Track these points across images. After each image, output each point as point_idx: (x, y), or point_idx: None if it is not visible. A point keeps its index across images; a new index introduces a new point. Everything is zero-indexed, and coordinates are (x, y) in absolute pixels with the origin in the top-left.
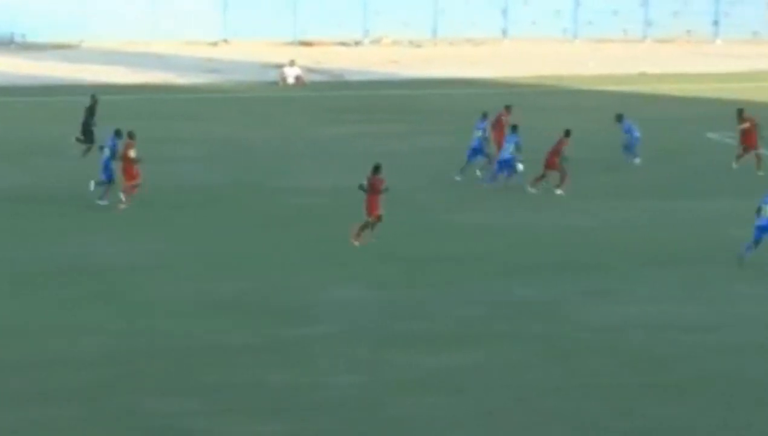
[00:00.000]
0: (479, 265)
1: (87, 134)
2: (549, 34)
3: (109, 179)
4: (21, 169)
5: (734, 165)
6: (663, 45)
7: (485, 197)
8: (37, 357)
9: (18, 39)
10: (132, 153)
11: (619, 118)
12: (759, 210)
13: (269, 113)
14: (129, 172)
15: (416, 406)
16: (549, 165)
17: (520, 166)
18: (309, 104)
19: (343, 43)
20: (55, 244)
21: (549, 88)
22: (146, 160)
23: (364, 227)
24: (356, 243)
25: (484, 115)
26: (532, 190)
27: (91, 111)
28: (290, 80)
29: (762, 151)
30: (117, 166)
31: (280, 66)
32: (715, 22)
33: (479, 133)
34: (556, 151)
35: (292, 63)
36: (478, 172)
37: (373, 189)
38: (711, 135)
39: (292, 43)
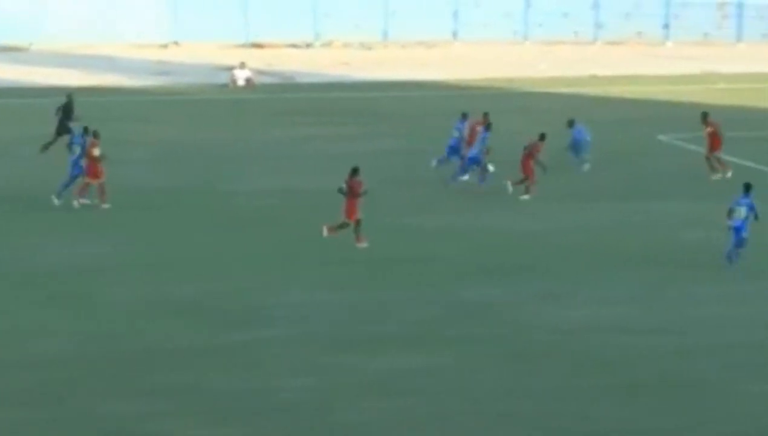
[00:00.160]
0: (434, 267)
1: (63, 132)
2: (500, 36)
3: (76, 176)
4: None
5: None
6: (614, 47)
7: (440, 200)
8: None
9: None
10: (96, 152)
11: (571, 123)
12: (731, 211)
13: (220, 116)
14: (93, 170)
15: (369, 410)
16: (526, 169)
17: (491, 167)
18: (259, 106)
19: (293, 46)
20: (6, 246)
21: (500, 90)
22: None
23: (341, 227)
24: (326, 233)
25: (464, 116)
26: (525, 196)
27: (66, 109)
28: (240, 82)
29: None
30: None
31: (230, 68)
32: (666, 25)
33: (457, 134)
34: (530, 155)
35: (242, 65)
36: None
37: (351, 192)
38: (662, 137)
39: (242, 46)
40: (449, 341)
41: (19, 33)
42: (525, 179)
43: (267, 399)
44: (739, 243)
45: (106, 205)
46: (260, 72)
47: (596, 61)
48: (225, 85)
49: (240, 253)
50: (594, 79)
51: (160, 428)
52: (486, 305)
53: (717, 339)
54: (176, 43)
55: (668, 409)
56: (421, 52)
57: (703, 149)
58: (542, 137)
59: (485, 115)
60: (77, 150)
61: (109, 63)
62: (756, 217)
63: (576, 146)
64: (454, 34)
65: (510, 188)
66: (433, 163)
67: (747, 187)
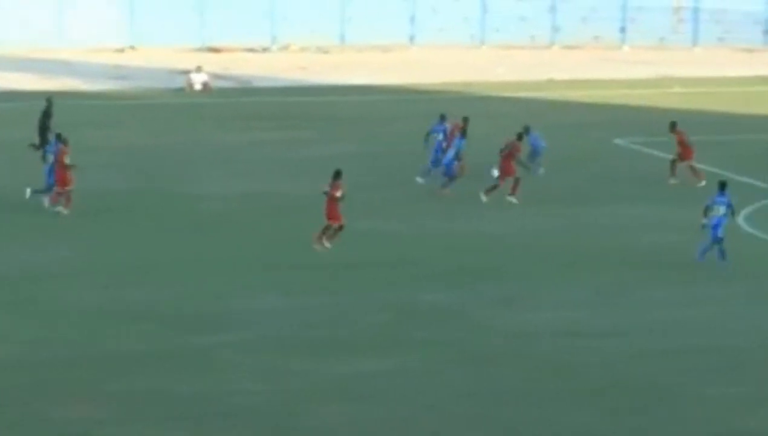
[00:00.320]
0: (392, 272)
1: (43, 137)
2: (457, 40)
3: (53, 185)
4: None
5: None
6: (570, 51)
7: (399, 204)
8: None
9: None
10: (66, 159)
11: (527, 130)
12: (707, 210)
13: (176, 120)
14: (62, 178)
15: (326, 414)
16: (506, 172)
17: (495, 173)
18: (216, 111)
19: (250, 50)
20: None
21: (457, 94)
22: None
23: (325, 231)
24: (318, 248)
25: (442, 118)
26: (511, 199)
27: (46, 114)
28: (197, 87)
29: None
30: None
31: (187, 72)
32: (623, 29)
33: (439, 136)
34: (510, 156)
35: (199, 69)
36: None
37: (331, 196)
38: (618, 141)
39: (199, 50)
40: (408, 345)
41: None
42: (495, 187)
43: (223, 404)
44: (716, 241)
45: (66, 212)
46: (217, 76)
47: (553, 66)
48: (182, 90)
49: (197, 257)
50: (551, 83)
51: (116, 434)
52: (444, 309)
53: (671, 343)
54: (133, 47)
55: (624, 412)
56: (378, 57)
57: (669, 155)
58: (520, 137)
59: (464, 120)
60: (51, 158)
61: (66, 67)
62: (732, 214)
63: (532, 153)
64: (411, 39)
65: (484, 199)
66: (419, 180)
67: (722, 186)
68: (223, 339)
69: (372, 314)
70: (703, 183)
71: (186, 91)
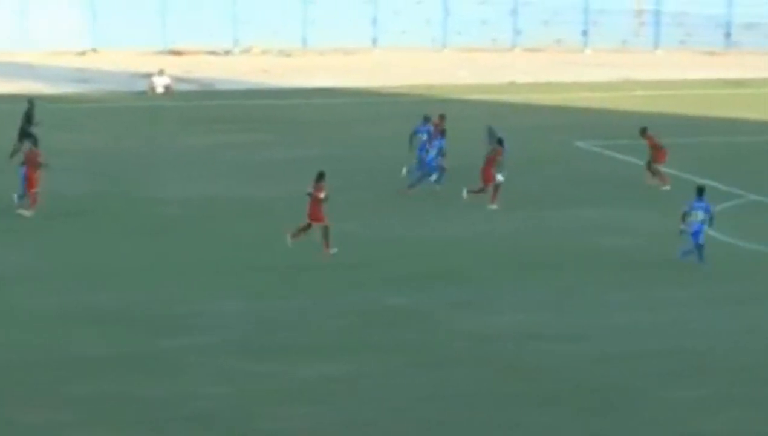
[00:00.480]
0: (354, 275)
1: (25, 138)
2: (419, 43)
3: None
4: None
5: (666, 187)
6: (533, 54)
7: (362, 207)
8: None
9: None
10: (40, 159)
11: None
12: (685, 215)
13: (139, 123)
14: (31, 180)
15: (287, 417)
16: (486, 178)
17: (500, 177)
18: (178, 114)
19: (212, 53)
20: None
21: (419, 97)
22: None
23: (302, 230)
24: (324, 257)
25: (426, 119)
26: (466, 196)
27: (28, 116)
28: (159, 90)
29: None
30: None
31: (149, 75)
32: (585, 32)
33: (424, 137)
34: (492, 162)
35: (161, 72)
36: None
37: (314, 197)
38: (580, 144)
39: (161, 53)
40: (369, 348)
41: None
42: (481, 190)
43: (185, 407)
44: (698, 248)
45: (29, 214)
46: (179, 79)
47: (515, 68)
48: (144, 93)
49: (160, 261)
50: (513, 86)
51: None
52: (407, 312)
53: (631, 346)
54: (94, 50)
55: (586, 415)
56: (340, 59)
57: (631, 158)
58: (500, 142)
59: (441, 117)
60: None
61: (27, 70)
62: (711, 221)
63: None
64: (374, 41)
65: (465, 196)
66: (409, 191)
67: (700, 191)
68: (186, 342)
69: (334, 317)
70: (668, 187)
71: (148, 94)
